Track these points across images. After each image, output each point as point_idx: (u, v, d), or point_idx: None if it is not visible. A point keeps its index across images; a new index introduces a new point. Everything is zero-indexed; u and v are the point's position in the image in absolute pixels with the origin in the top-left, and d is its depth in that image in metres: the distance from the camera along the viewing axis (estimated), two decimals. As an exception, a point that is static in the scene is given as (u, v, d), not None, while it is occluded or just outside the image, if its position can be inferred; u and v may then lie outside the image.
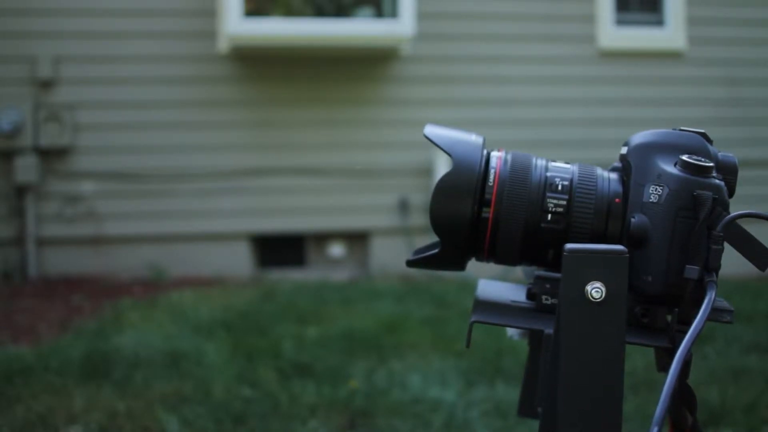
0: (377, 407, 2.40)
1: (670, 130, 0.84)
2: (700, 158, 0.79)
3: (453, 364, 2.85)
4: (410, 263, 0.85)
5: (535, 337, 1.04)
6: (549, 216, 0.81)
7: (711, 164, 0.78)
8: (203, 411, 2.35)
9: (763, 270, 0.77)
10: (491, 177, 0.81)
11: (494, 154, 0.84)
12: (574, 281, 0.71)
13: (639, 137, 0.84)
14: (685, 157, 0.79)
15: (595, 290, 0.71)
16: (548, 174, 0.83)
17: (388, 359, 2.93)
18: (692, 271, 0.74)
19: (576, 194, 0.82)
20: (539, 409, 0.82)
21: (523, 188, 0.81)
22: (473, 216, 0.80)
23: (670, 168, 0.79)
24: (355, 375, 2.72)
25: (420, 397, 2.49)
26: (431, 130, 0.84)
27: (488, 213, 0.80)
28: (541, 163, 0.84)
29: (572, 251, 0.72)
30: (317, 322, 3.53)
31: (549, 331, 0.76)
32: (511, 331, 1.06)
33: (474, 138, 0.84)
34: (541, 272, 0.89)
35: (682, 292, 0.76)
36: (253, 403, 2.43)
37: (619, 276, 0.71)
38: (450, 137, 0.83)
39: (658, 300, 0.78)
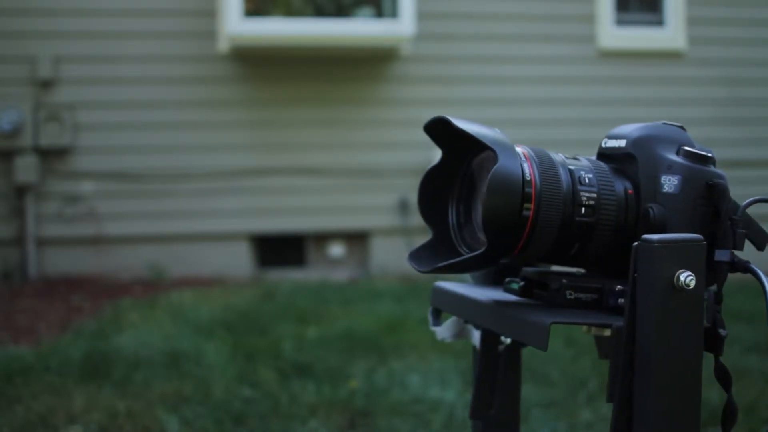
0: (377, 407, 2.40)
1: (659, 124, 0.87)
2: (701, 149, 0.82)
3: (453, 364, 2.85)
4: (439, 269, 0.80)
5: (488, 338, 1.01)
6: (583, 209, 0.81)
7: (711, 154, 0.82)
8: (203, 411, 2.35)
9: (761, 250, 0.81)
10: (527, 172, 0.78)
11: (517, 149, 0.82)
12: (662, 271, 0.71)
13: (636, 131, 0.86)
14: (687, 148, 0.82)
15: (689, 278, 0.71)
16: (571, 168, 0.82)
17: (388, 359, 2.93)
18: (724, 254, 0.77)
19: (600, 187, 0.82)
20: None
21: (557, 183, 0.80)
22: (520, 213, 0.78)
23: (678, 158, 0.82)
24: (355, 375, 2.72)
25: (420, 397, 2.48)
26: (469, 126, 0.79)
27: (529, 210, 0.78)
28: (557, 157, 0.83)
29: (661, 242, 0.71)
30: (317, 322, 3.53)
31: (618, 324, 0.75)
32: (443, 333, 1.04)
33: (499, 131, 0.81)
34: (530, 269, 0.88)
35: None
36: (253, 403, 2.43)
37: (699, 263, 0.72)
38: (485, 132, 0.79)
39: None
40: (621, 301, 0.81)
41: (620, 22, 5.56)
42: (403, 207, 5.12)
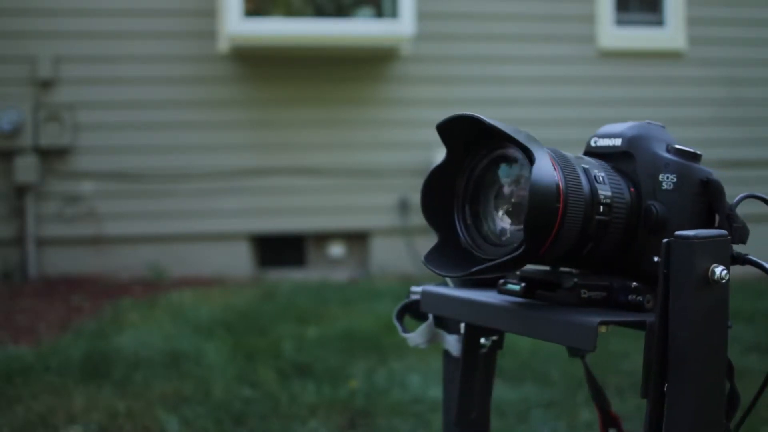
0: (377, 407, 2.40)
1: (644, 123, 0.88)
2: (688, 147, 0.84)
3: (453, 364, 2.84)
4: (474, 273, 0.78)
5: (471, 342, 1.00)
6: (601, 208, 0.81)
7: (700, 152, 0.84)
8: (203, 411, 2.35)
9: (743, 243, 0.83)
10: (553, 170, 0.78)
11: None
12: (699, 266, 0.72)
13: (631, 130, 0.87)
14: (678, 146, 0.84)
15: (724, 271, 0.72)
16: (585, 167, 0.82)
17: (388, 359, 2.93)
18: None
19: (611, 185, 0.83)
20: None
21: (578, 182, 0.80)
22: (553, 213, 0.77)
23: (672, 156, 0.84)
24: (355, 375, 2.72)
25: (420, 397, 2.48)
26: (503, 126, 0.78)
27: (558, 210, 0.77)
28: (570, 155, 0.83)
29: (697, 237, 0.72)
30: (317, 322, 3.53)
31: (651, 320, 0.75)
32: (416, 340, 1.03)
33: (526, 132, 0.80)
34: (528, 270, 0.87)
35: None
36: (253, 403, 2.43)
37: (727, 258, 0.74)
38: (518, 133, 0.78)
39: None
40: (632, 297, 0.82)
41: (620, 22, 5.56)
42: (403, 207, 5.12)
